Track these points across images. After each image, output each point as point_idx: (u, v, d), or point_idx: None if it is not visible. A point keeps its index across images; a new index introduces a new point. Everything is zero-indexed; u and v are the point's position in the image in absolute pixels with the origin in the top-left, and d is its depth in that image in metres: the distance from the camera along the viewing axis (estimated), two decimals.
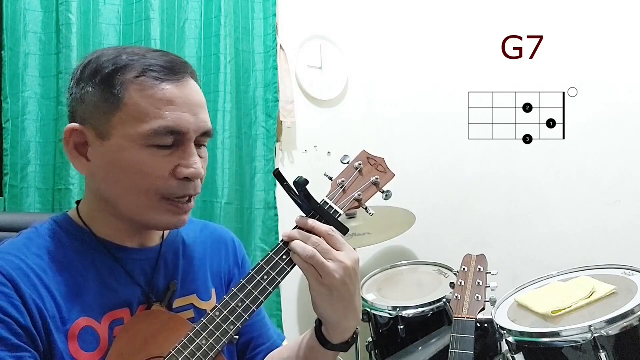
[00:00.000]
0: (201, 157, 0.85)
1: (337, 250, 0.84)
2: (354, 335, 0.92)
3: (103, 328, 0.82)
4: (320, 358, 0.92)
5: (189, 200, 0.86)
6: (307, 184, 0.87)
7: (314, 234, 0.85)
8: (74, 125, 0.83)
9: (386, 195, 0.96)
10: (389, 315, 1.80)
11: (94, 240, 0.86)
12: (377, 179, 0.96)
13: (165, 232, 0.95)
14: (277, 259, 0.86)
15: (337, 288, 0.83)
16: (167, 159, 0.81)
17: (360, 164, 0.97)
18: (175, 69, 0.82)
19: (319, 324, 0.91)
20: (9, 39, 1.63)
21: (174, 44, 1.92)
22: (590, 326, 1.23)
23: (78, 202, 0.91)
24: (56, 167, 1.67)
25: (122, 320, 0.84)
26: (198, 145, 0.85)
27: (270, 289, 0.84)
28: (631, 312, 1.24)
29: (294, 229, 0.87)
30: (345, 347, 0.91)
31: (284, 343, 1.06)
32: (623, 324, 1.23)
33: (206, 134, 0.85)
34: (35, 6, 1.67)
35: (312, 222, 0.86)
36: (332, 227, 0.86)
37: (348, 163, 0.97)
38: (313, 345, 0.92)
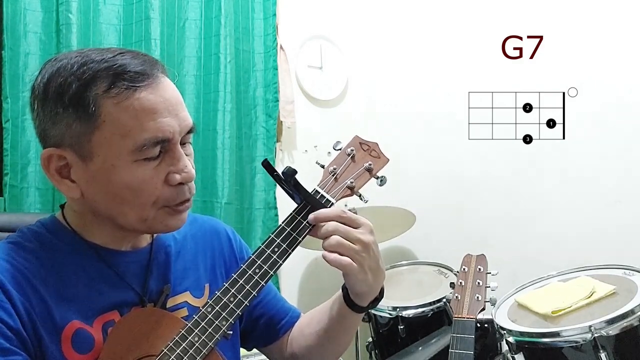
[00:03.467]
0: (187, 155, 0.82)
1: (355, 228, 0.84)
2: (382, 290, 0.92)
3: (96, 331, 0.80)
4: (353, 321, 0.96)
5: (187, 201, 0.84)
6: (295, 174, 0.85)
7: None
8: (51, 150, 0.79)
9: (380, 181, 0.93)
10: (389, 315, 1.80)
11: (83, 243, 0.84)
12: (370, 164, 0.93)
13: None
14: (268, 251, 0.84)
15: (367, 263, 0.84)
16: (157, 169, 0.79)
17: (352, 150, 0.93)
18: (145, 71, 0.77)
19: (346, 292, 0.91)
20: (9, 39, 1.63)
21: (174, 44, 1.92)
22: (590, 326, 1.23)
23: (62, 205, 0.88)
24: None
25: (114, 322, 0.82)
26: (182, 143, 0.82)
27: (263, 282, 0.83)
28: (631, 312, 1.24)
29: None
30: (375, 304, 0.93)
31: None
32: (623, 324, 1.24)
33: (189, 131, 0.82)
34: (35, 6, 1.67)
35: (324, 213, 0.85)
36: (341, 209, 0.85)
37: (340, 149, 0.94)
38: (344, 312, 0.93)
